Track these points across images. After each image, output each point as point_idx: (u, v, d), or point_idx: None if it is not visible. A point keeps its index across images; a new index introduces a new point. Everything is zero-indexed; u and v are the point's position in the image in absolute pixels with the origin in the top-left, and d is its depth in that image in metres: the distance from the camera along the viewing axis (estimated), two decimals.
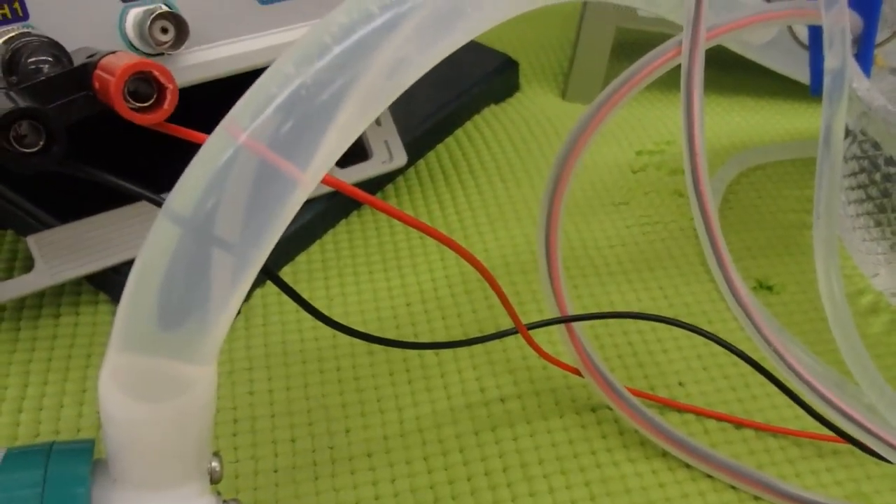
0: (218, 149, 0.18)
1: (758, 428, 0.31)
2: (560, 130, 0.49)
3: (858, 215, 0.34)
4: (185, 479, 0.19)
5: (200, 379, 0.18)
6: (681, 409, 0.32)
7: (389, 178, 0.44)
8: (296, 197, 0.18)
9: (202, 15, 0.30)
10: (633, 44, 0.48)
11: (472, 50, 0.57)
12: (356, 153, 0.41)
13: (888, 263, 0.33)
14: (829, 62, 0.29)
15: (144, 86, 0.21)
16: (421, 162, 0.46)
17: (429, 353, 0.34)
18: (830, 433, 0.29)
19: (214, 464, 0.22)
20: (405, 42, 0.19)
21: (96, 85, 0.22)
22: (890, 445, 0.25)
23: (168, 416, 0.18)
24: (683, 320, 0.36)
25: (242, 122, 0.18)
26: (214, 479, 0.22)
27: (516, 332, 0.28)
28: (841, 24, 0.29)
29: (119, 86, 0.20)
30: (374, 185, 0.43)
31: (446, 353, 0.34)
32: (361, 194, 0.23)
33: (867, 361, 0.30)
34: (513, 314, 0.27)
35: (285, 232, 0.43)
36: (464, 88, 0.50)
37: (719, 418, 0.31)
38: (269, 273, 0.25)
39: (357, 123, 0.19)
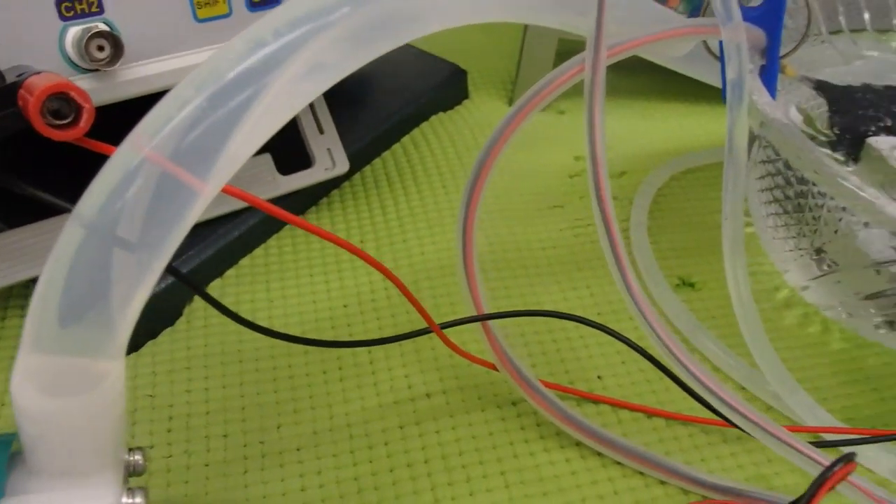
0: (123, 160, 0.20)
1: (668, 417, 0.33)
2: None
3: (769, 215, 0.37)
4: (98, 469, 0.21)
5: (108, 374, 0.20)
6: (597, 401, 0.34)
7: (335, 184, 0.46)
8: (196, 203, 0.20)
9: (139, 32, 0.31)
10: (575, 52, 0.49)
11: (421, 60, 0.59)
12: (299, 161, 0.43)
13: (794, 260, 0.36)
14: (729, 74, 0.31)
15: (66, 105, 0.23)
16: (367, 168, 0.48)
17: (362, 351, 0.35)
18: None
19: (137, 457, 0.23)
20: (298, 65, 0.21)
21: (20, 103, 0.23)
22: (764, 430, 0.27)
23: (77, 410, 0.20)
24: (607, 318, 0.38)
25: (145, 136, 0.20)
26: (138, 472, 0.23)
27: (431, 332, 0.30)
28: (736, 39, 0.31)
29: (37, 105, 0.22)
30: (320, 191, 0.45)
31: (378, 352, 0.35)
32: (274, 209, 0.24)
33: (771, 353, 0.32)
34: (424, 314, 0.28)
35: (229, 238, 0.43)
36: (411, 98, 0.52)
37: (633, 409, 0.33)
38: (195, 287, 0.27)
39: (255, 138, 0.21)
